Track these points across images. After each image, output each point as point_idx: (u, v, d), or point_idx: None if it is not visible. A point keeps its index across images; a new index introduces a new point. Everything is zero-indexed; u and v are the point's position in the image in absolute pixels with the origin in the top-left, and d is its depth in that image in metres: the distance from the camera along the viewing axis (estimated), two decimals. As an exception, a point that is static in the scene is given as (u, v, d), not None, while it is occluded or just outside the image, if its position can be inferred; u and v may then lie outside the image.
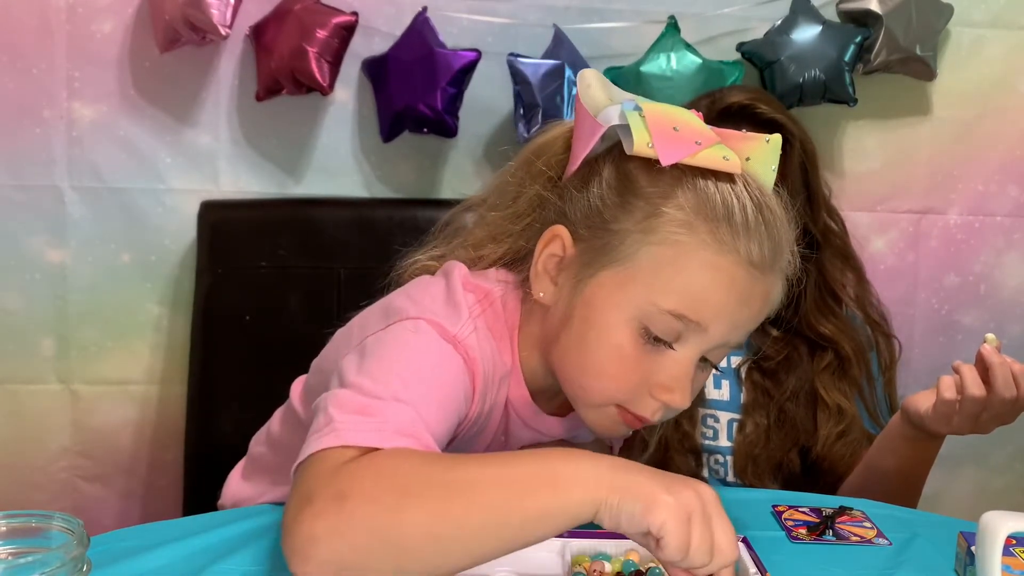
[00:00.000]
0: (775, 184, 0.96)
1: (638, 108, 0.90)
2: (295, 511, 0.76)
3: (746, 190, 0.91)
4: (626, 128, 0.89)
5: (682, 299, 0.88)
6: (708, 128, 0.92)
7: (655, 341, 0.89)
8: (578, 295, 0.93)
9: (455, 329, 0.92)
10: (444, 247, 1.06)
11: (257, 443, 1.25)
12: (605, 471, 0.74)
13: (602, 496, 0.73)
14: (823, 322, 1.47)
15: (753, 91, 1.55)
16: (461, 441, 0.98)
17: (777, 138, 0.96)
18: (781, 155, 1.32)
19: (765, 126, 1.43)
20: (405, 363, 0.88)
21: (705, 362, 0.93)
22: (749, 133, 0.97)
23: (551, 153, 1.01)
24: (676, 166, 0.89)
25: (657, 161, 0.88)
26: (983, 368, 1.19)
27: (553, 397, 1.02)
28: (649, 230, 0.89)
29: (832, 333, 1.46)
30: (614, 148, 0.94)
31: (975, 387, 1.18)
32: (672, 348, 0.90)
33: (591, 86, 0.95)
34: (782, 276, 0.94)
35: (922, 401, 1.25)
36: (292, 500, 0.78)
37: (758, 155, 0.94)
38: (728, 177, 0.91)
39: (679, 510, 0.72)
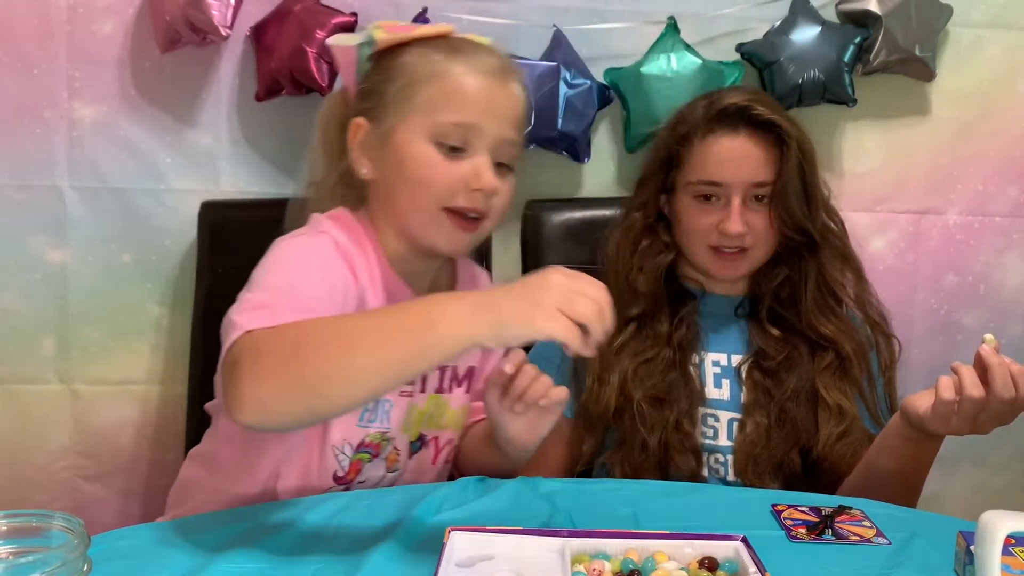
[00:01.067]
0: None
1: (373, 25, 1.25)
2: (227, 378, 0.99)
3: (460, 36, 1.25)
4: (368, 37, 1.24)
5: (454, 110, 1.18)
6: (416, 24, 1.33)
7: (452, 151, 1.18)
8: (387, 153, 1.20)
9: (319, 229, 1.19)
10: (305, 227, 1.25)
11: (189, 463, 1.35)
12: (469, 307, 0.92)
13: (473, 332, 0.91)
14: (823, 322, 1.47)
15: (751, 92, 1.55)
16: None
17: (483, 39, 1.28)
18: (779, 154, 1.37)
19: (763, 126, 1.44)
20: (281, 262, 1.14)
21: (501, 166, 1.21)
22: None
23: (335, 106, 1.30)
24: (407, 44, 1.22)
25: (395, 46, 1.22)
26: (982, 369, 1.19)
27: (420, 277, 1.25)
28: (409, 81, 1.20)
29: (832, 333, 1.46)
30: (368, 66, 1.25)
31: (973, 388, 1.18)
32: (466, 151, 1.18)
33: (339, 38, 1.29)
34: (520, 82, 1.25)
35: (921, 402, 1.25)
36: (223, 375, 1.01)
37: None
38: (447, 35, 1.24)
39: (552, 312, 0.89)
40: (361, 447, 1.22)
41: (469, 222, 1.19)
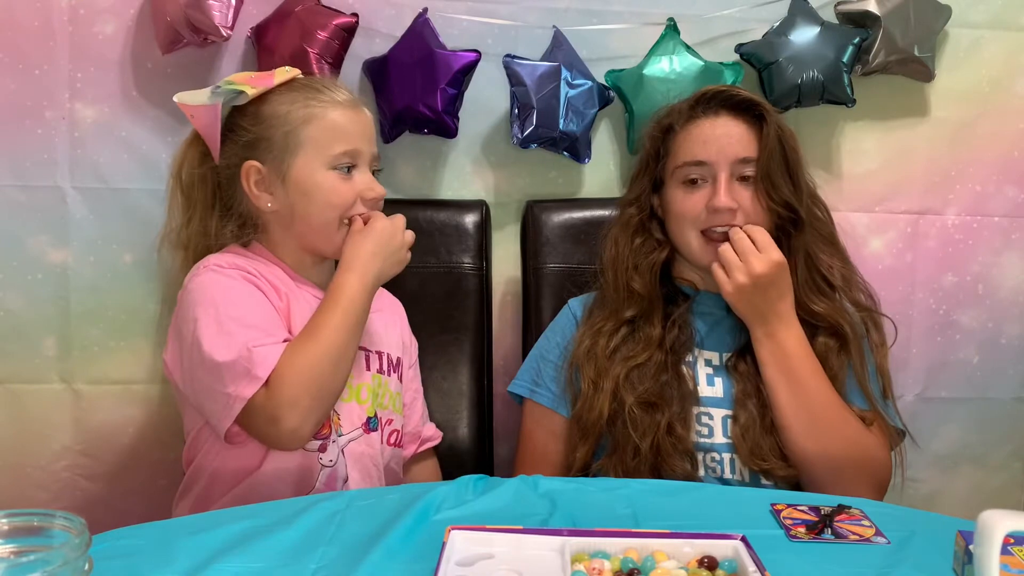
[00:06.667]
0: None
1: (225, 81, 1.44)
2: (257, 432, 1.31)
3: (306, 76, 1.48)
4: (232, 93, 1.41)
5: (339, 142, 1.41)
6: (267, 73, 1.46)
7: (346, 172, 1.42)
8: (288, 186, 1.41)
9: (219, 265, 1.38)
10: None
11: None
12: (370, 283, 1.39)
13: (375, 286, 1.40)
14: (814, 300, 1.48)
15: (730, 86, 1.61)
16: None
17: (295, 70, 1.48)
18: (759, 132, 1.49)
19: (741, 107, 1.49)
20: (216, 304, 1.32)
21: (376, 171, 1.47)
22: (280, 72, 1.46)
23: (191, 157, 1.49)
24: (270, 91, 1.42)
25: (262, 95, 1.42)
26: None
27: (319, 277, 1.47)
28: (292, 126, 1.40)
29: (824, 311, 1.48)
30: (230, 121, 1.45)
31: (740, 242, 1.41)
32: (353, 170, 1.43)
33: (189, 98, 1.44)
34: (366, 106, 1.47)
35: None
36: (261, 435, 1.31)
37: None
38: (295, 79, 1.45)
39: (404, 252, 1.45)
40: None
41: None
